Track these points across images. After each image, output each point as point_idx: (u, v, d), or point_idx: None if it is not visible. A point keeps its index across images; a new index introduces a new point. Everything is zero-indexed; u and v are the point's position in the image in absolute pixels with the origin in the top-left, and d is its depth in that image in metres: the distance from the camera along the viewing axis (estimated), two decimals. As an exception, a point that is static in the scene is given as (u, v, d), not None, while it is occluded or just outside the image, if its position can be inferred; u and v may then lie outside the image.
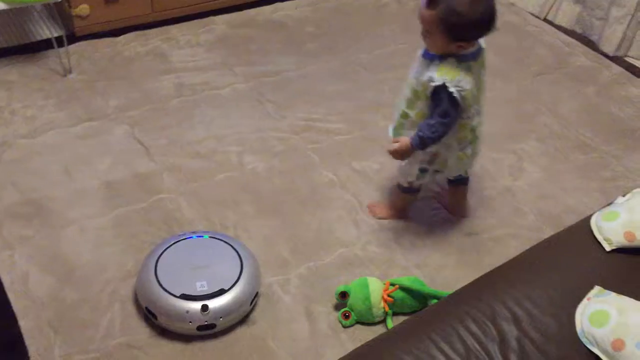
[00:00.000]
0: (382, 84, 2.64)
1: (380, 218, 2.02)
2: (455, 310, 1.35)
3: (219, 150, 2.23)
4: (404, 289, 1.72)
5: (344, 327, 1.71)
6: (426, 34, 1.62)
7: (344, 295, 1.72)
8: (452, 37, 1.57)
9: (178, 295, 1.61)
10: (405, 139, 1.72)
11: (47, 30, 2.61)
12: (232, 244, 1.76)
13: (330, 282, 1.81)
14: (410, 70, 1.74)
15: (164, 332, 1.64)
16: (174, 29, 2.82)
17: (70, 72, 2.50)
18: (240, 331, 1.67)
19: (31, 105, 2.32)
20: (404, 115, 1.78)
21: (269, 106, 2.45)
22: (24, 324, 1.63)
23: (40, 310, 1.66)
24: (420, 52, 1.71)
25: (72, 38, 2.63)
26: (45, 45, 2.58)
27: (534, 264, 1.48)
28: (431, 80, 1.63)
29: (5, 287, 1.71)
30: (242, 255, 1.73)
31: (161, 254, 1.71)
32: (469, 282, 1.47)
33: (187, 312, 1.59)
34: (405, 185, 1.93)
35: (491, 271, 1.49)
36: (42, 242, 1.84)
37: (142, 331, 1.65)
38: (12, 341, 1.59)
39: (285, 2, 3.12)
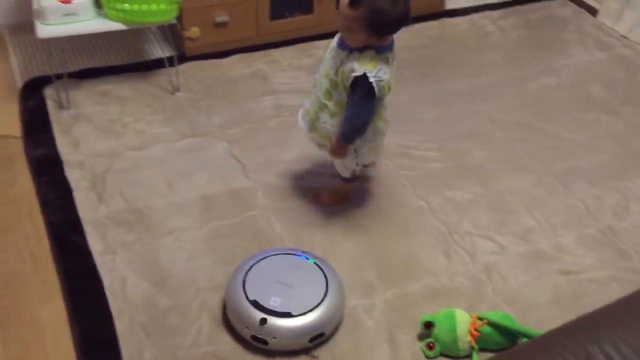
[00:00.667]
0: (479, 114, 2.60)
1: (326, 205, 2.09)
2: (547, 351, 1.29)
3: (312, 171, 2.27)
4: (492, 324, 1.66)
5: (427, 357, 1.67)
6: (347, 30, 1.68)
7: (428, 325, 1.68)
8: (374, 33, 1.66)
9: (250, 299, 1.65)
10: (334, 139, 1.82)
11: (160, 50, 2.79)
12: (327, 274, 1.74)
13: (416, 310, 1.78)
14: (324, 62, 1.82)
15: (248, 346, 1.67)
16: (277, 53, 2.92)
17: (178, 90, 2.64)
18: (322, 352, 1.68)
19: (141, 120, 2.47)
20: (322, 107, 1.84)
21: (363, 131, 2.47)
22: (119, 324, 1.72)
23: (135, 313, 1.75)
24: (334, 42, 1.79)
25: (182, 58, 2.78)
26: (157, 64, 2.74)
27: (638, 310, 1.39)
28: (352, 70, 1.69)
29: (105, 288, 1.81)
30: (328, 291, 1.70)
31: (256, 264, 1.76)
32: (563, 322, 1.40)
33: (249, 317, 1.63)
34: (348, 176, 2.03)
35: (589, 313, 1.41)
36: (142, 248, 1.94)
37: (227, 342, 1.69)
38: (108, 340, 1.68)
39: (386, 29, 3.16)
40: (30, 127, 2.42)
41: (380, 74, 1.71)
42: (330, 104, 1.81)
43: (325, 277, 1.73)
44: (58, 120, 2.45)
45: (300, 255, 1.79)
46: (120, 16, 2.36)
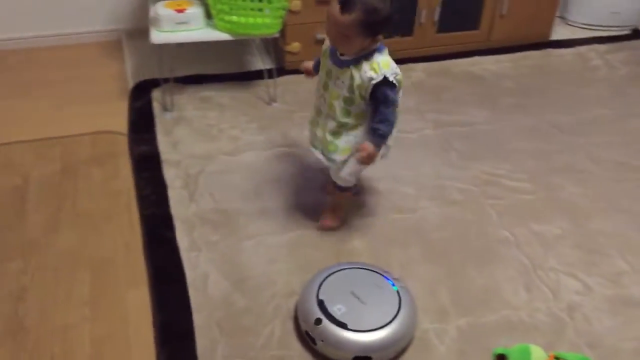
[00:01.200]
0: (577, 149, 2.51)
1: (331, 229, 2.06)
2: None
3: (396, 190, 2.27)
4: (569, 365, 1.60)
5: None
6: (343, 38, 1.67)
7: (501, 358, 1.64)
8: (370, 34, 1.66)
9: (319, 298, 1.70)
10: (369, 145, 1.74)
11: (261, 62, 2.90)
12: (402, 306, 1.70)
13: (489, 341, 1.74)
14: (325, 87, 1.83)
15: (317, 355, 1.69)
16: (373, 72, 2.96)
17: (274, 101, 2.73)
18: (389, 370, 1.67)
19: (237, 127, 2.57)
20: (341, 126, 1.83)
21: (453, 155, 2.45)
22: (197, 318, 1.79)
23: (212, 310, 1.81)
24: (330, 64, 1.79)
25: (281, 71, 2.88)
26: (257, 75, 2.86)
27: None
28: (371, 79, 1.70)
29: (188, 282, 1.89)
30: (393, 322, 1.66)
31: (340, 271, 1.80)
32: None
33: (308, 313, 1.68)
34: (354, 182, 2.02)
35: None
36: (225, 248, 2.02)
37: (296, 349, 1.72)
38: (185, 332, 1.75)
39: (485, 57, 3.12)
40: (136, 125, 2.58)
41: (394, 68, 1.73)
42: (349, 119, 1.81)
43: (399, 308, 1.70)
44: (161, 121, 2.60)
45: (387, 279, 1.79)
46: (227, 27, 2.49)
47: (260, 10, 2.45)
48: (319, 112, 1.91)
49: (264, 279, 1.91)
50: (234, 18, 2.45)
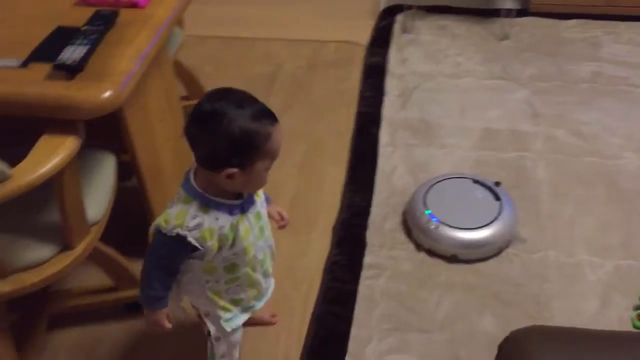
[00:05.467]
0: None
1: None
2: None
3: (601, 136, 2.25)
4: None
5: (634, 327, 1.63)
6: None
7: (647, 299, 1.64)
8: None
9: (423, 192, 1.96)
10: (275, 205, 1.40)
11: (504, 1, 2.98)
12: (504, 204, 1.88)
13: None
14: (256, 234, 1.25)
15: (419, 247, 1.86)
16: (621, 25, 2.85)
17: (507, 38, 2.82)
18: (541, 268, 1.78)
19: (462, 55, 2.74)
20: (270, 235, 1.33)
21: (678, 116, 2.32)
22: (376, 197, 2.07)
23: (391, 195, 2.08)
24: (258, 209, 1.25)
25: (523, 12, 2.93)
26: (496, 13, 2.95)
27: None
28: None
29: (378, 169, 2.19)
30: (501, 226, 1.82)
31: (444, 180, 2.00)
32: None
33: (415, 212, 1.93)
34: None
35: None
36: (418, 151, 2.25)
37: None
38: (365, 207, 2.05)
39: None
40: (376, 40, 2.90)
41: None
42: None
43: (498, 215, 1.85)
44: (397, 40, 2.88)
45: (493, 191, 1.94)
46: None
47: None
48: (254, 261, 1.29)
49: (442, 181, 2.11)
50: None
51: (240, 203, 1.19)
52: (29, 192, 1.35)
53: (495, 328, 1.63)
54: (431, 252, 1.87)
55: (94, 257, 1.60)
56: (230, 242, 1.19)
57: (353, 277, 1.82)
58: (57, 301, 1.75)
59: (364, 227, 1.98)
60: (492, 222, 1.83)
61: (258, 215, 1.25)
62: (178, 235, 1.13)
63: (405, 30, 2.93)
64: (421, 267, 1.83)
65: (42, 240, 1.41)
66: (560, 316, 1.66)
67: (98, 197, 1.52)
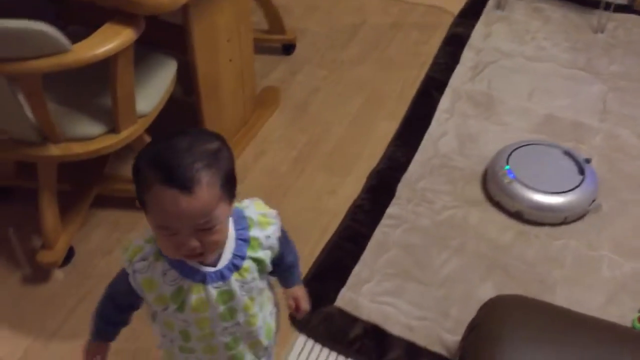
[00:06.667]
0: None
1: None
2: None
3: (667, 144, 2.17)
4: None
5: (633, 327, 1.61)
6: (211, 231, 0.90)
7: (653, 305, 1.61)
8: (232, 193, 0.93)
9: (510, 149, 2.03)
10: (299, 289, 1.19)
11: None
12: (586, 179, 1.91)
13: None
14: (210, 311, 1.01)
15: (493, 202, 1.89)
16: None
17: (602, 31, 2.72)
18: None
19: (549, 40, 2.68)
20: (253, 322, 1.07)
21: None
22: (418, 155, 2.12)
23: (433, 156, 2.12)
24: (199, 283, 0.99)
25: (623, 8, 2.81)
26: (595, 4, 2.84)
27: None
28: (270, 237, 1.02)
29: (428, 131, 2.23)
30: (574, 198, 1.87)
31: (526, 146, 2.06)
32: None
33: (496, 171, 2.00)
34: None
35: None
36: (472, 122, 2.26)
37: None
38: (404, 163, 2.11)
39: None
40: (466, 11, 2.88)
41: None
42: (261, 311, 1.09)
43: (579, 184, 1.90)
44: (488, 14, 2.85)
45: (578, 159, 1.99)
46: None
47: None
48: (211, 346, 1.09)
49: (489, 155, 2.12)
50: None
51: (205, 272, 0.96)
52: (90, 76, 1.52)
53: (491, 296, 1.65)
54: (499, 206, 1.94)
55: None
56: (176, 306, 0.99)
57: (372, 222, 1.90)
58: (106, 182, 1.95)
59: (397, 179, 2.04)
60: (567, 191, 1.88)
61: (229, 294, 0.99)
62: (124, 269, 1.00)
63: (499, 6, 2.89)
64: (439, 228, 1.88)
65: (93, 119, 1.60)
66: (560, 302, 1.66)
67: (151, 92, 1.68)
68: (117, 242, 1.85)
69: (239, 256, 0.99)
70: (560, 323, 1.34)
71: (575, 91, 2.41)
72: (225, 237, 0.96)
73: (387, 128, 2.27)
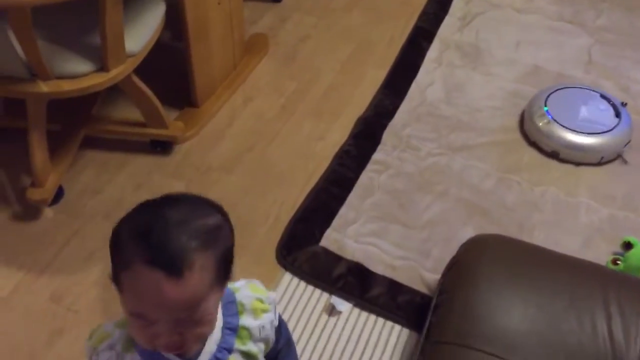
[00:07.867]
0: None
1: None
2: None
3: (648, 96, 2.21)
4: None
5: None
6: (197, 324, 0.76)
7: (628, 245, 1.67)
8: (227, 277, 0.81)
9: (549, 92, 2.09)
10: None
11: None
12: (621, 121, 1.97)
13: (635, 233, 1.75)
14: None
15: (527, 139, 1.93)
16: None
17: (590, -15, 2.73)
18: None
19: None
20: None
21: None
22: (405, 103, 2.15)
23: (420, 104, 2.15)
24: None
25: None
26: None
27: None
28: (264, 327, 0.90)
29: (416, 79, 2.25)
30: (610, 138, 1.93)
31: (563, 89, 2.12)
32: None
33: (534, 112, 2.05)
34: None
35: None
36: (460, 73, 2.29)
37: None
38: (391, 110, 2.13)
39: None
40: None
41: (274, 298, 0.98)
42: None
43: (615, 126, 1.96)
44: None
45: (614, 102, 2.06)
46: None
47: None
48: None
49: (474, 105, 2.15)
50: None
51: None
52: (80, 14, 1.51)
53: (472, 238, 1.71)
54: (536, 146, 2.01)
55: (129, 90, 1.79)
56: None
57: (358, 167, 1.94)
58: (94, 123, 1.97)
59: (383, 126, 2.07)
60: (604, 132, 1.95)
61: None
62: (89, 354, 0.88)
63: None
64: (423, 174, 1.92)
65: (83, 56, 1.60)
66: (539, 244, 1.72)
67: (139, 32, 1.68)
68: (106, 183, 1.87)
69: (224, 349, 0.84)
70: (537, 259, 1.40)
71: (561, 43, 2.43)
72: (213, 328, 0.81)
73: (375, 76, 2.29)
